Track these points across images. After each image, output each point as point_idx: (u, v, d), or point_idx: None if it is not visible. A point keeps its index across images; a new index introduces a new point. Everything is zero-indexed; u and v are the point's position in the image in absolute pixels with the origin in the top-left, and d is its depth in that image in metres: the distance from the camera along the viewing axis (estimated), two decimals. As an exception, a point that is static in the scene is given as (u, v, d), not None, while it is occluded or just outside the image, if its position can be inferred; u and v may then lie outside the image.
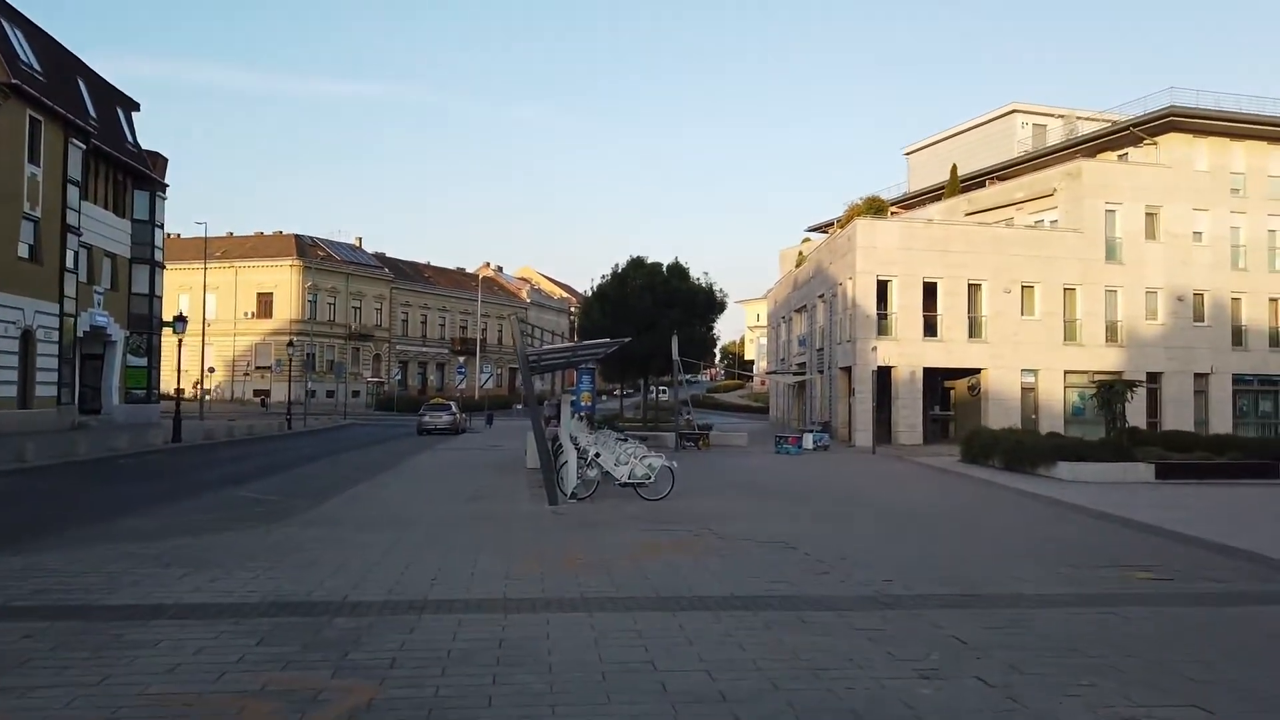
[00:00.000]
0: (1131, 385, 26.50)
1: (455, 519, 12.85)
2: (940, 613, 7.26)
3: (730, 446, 33.38)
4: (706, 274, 43.79)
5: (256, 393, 66.21)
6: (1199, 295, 38.55)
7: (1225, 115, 38.21)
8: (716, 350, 66.15)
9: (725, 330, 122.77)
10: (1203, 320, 38.61)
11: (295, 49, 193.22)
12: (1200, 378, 38.49)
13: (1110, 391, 25.75)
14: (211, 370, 63.22)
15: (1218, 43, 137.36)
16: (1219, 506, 16.61)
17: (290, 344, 52.55)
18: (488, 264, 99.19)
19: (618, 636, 6.36)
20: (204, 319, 58.25)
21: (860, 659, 5.91)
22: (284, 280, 68.47)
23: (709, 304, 40.06)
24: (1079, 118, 47.38)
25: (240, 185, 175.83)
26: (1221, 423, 37.52)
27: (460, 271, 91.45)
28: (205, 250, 57.90)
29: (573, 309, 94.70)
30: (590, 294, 42.51)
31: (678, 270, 39.97)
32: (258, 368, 67.70)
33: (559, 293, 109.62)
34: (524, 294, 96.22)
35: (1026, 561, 9.98)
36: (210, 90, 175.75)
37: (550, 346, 31.31)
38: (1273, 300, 39.34)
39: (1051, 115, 48.16)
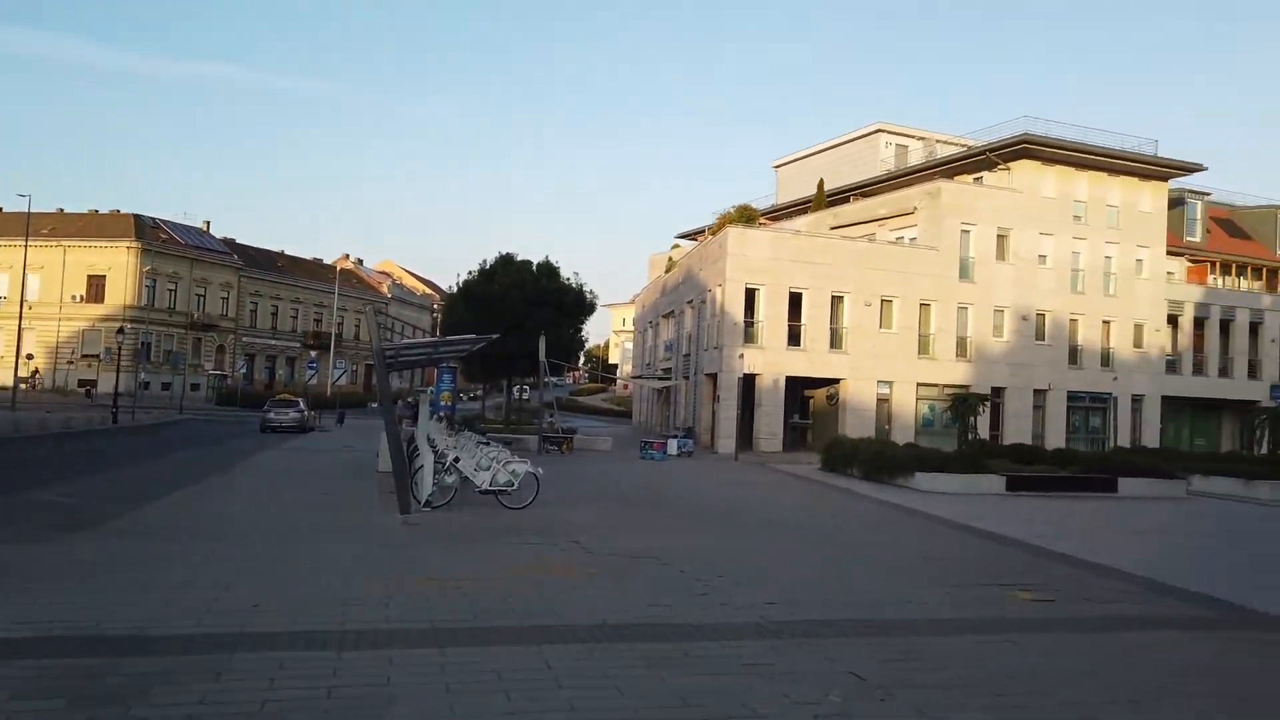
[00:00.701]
0: (983, 399, 27.41)
1: (292, 529, 11.51)
2: (832, 643, 6.65)
3: (594, 451, 32.62)
4: (576, 274, 43.03)
5: (82, 383, 60.88)
6: (1041, 315, 40.48)
7: (1073, 146, 40.31)
8: (582, 353, 65.49)
9: (591, 333, 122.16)
10: (1043, 339, 40.56)
11: (151, 26, 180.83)
12: (1039, 394, 40.41)
13: (964, 405, 26.52)
14: (30, 357, 57.69)
15: (1071, 75, 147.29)
16: (1071, 520, 17.01)
17: (121, 330, 48.40)
18: (347, 256, 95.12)
19: (474, 679, 5.41)
20: (22, 300, 53.01)
21: (755, 703, 5.18)
22: (119, 263, 63.28)
23: (579, 304, 39.23)
24: (938, 141, 49.11)
25: (79, 162, 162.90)
26: (1056, 437, 39.52)
27: (317, 262, 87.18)
28: (28, 225, 52.75)
29: (436, 306, 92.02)
30: (456, 290, 40.93)
31: (548, 269, 38.99)
32: (84, 356, 62.28)
33: (423, 289, 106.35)
34: (385, 288, 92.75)
35: (907, 580, 9.59)
36: (51, 62, 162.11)
37: (409, 340, 29.72)
38: (1106, 323, 41.74)
39: (913, 137, 49.75)
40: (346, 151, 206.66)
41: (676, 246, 56.21)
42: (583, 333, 40.75)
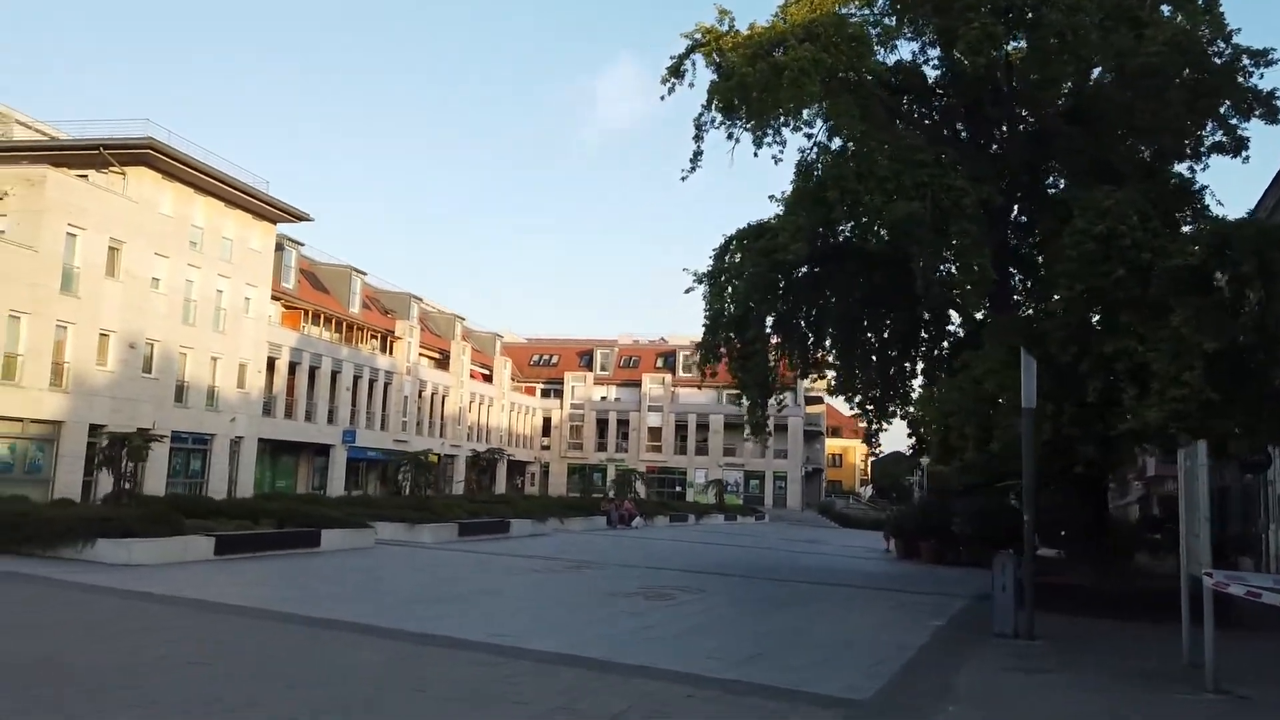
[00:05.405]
0: (149, 439, 22.55)
1: None
2: None
3: None
4: None
5: None
6: (151, 345, 35.97)
7: (198, 165, 37.21)
8: None
9: None
10: (150, 372, 36.07)
11: None
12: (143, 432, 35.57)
13: (128, 447, 21.38)
14: None
15: (195, 92, 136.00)
16: (353, 589, 14.66)
17: None
18: None
19: None
20: None
21: None
22: None
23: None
24: (19, 121, 40.09)
25: None
26: (157, 481, 35.29)
27: None
28: None
29: None
30: None
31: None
32: None
33: None
34: None
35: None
36: None
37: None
38: (214, 359, 39.36)
39: (-15, 106, 39.50)
40: None
41: None
42: None
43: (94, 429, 32.45)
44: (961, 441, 15.55)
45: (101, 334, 33.48)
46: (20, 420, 30.25)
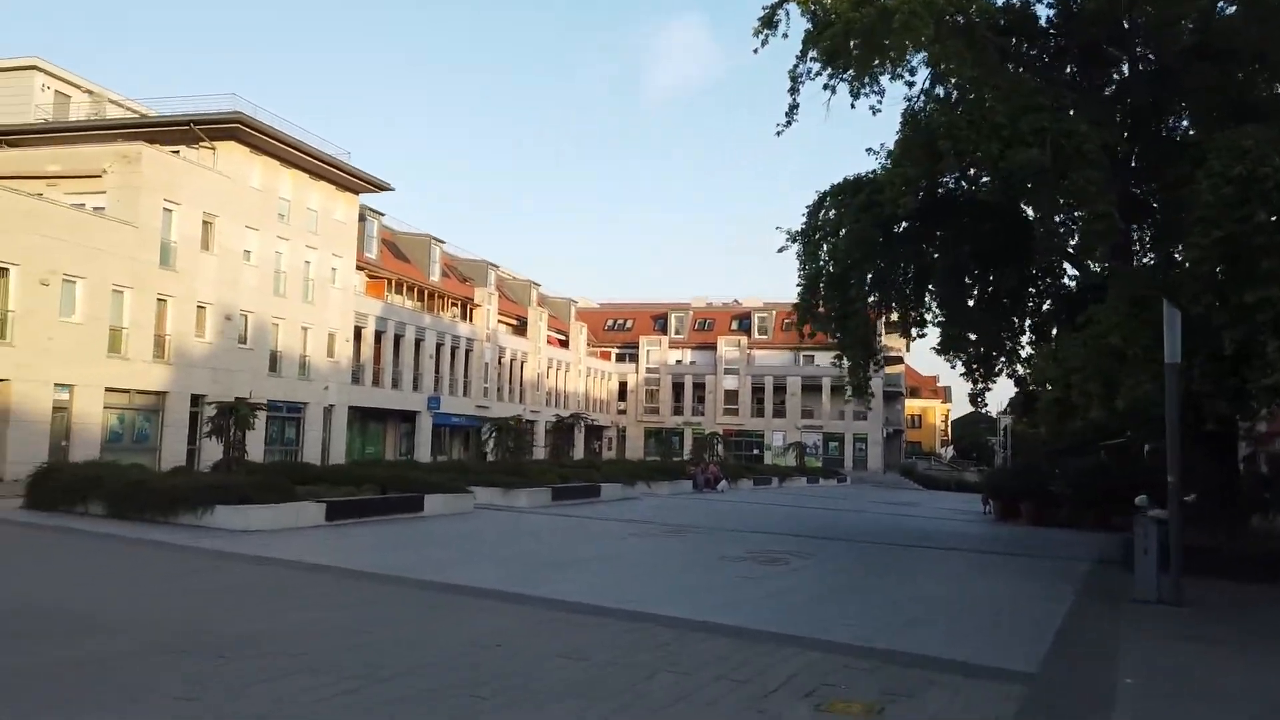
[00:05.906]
0: (254, 408, 23.11)
1: None
2: None
3: None
4: None
5: None
6: (245, 316, 36.89)
7: (283, 138, 37.74)
8: None
9: None
10: (246, 343, 37.02)
11: None
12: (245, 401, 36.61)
13: (235, 416, 21.92)
14: None
15: (273, 67, 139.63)
16: (467, 554, 14.80)
17: None
18: None
19: None
20: None
21: None
22: None
23: None
24: (111, 100, 41.19)
25: None
26: (255, 449, 36.23)
27: None
28: None
29: None
30: None
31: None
32: None
33: None
34: None
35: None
36: None
37: None
38: (305, 329, 40.21)
39: (80, 88, 40.61)
40: None
41: None
42: None
43: (194, 399, 33.59)
44: (1084, 399, 14.89)
45: (199, 306, 34.40)
46: (127, 391, 31.33)
